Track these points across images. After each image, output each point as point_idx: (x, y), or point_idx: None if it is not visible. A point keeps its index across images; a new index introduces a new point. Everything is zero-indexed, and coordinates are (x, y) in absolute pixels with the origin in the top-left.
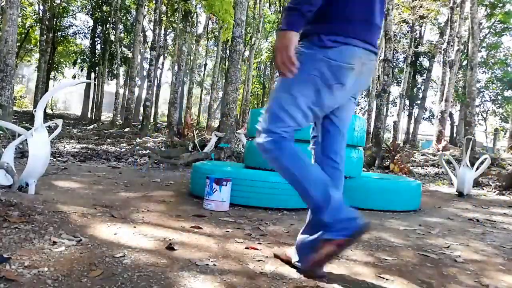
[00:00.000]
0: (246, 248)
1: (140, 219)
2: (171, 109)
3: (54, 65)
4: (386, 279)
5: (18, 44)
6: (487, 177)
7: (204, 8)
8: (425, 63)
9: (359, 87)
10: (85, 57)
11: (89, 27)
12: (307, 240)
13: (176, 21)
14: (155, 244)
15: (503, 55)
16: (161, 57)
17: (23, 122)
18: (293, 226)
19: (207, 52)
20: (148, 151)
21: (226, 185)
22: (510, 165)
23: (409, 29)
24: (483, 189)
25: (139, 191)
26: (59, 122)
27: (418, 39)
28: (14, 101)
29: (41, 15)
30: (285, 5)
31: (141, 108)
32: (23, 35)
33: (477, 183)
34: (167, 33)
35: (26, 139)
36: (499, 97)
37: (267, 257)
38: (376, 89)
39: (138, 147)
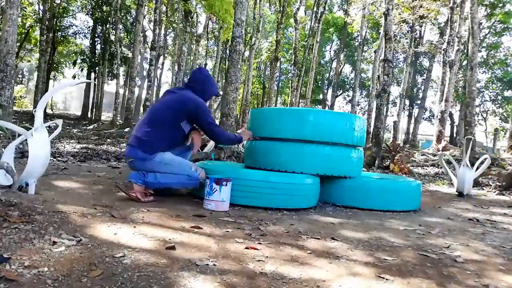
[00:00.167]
0: (246, 248)
1: (140, 219)
2: None
3: (54, 65)
4: (386, 279)
5: (18, 44)
6: (487, 177)
7: (204, 8)
8: (425, 63)
9: None
10: (85, 57)
11: (89, 27)
12: None
13: (176, 21)
14: (155, 244)
15: (503, 55)
16: (161, 57)
17: (23, 122)
18: (293, 226)
19: (207, 52)
20: None
21: (226, 185)
22: (510, 165)
23: (409, 29)
24: (483, 189)
25: None
26: (59, 122)
27: (418, 39)
28: (14, 101)
29: (41, 15)
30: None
31: (141, 108)
32: (23, 35)
33: (477, 183)
34: (167, 33)
35: (26, 139)
36: (499, 97)
37: (267, 257)
38: (376, 89)
39: None
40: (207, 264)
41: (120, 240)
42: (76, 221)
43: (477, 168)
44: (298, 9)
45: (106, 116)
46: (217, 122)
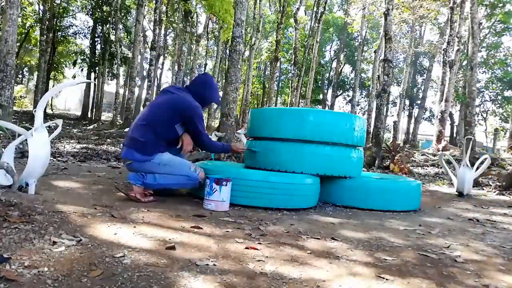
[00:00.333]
0: (246, 248)
1: (140, 219)
2: None
3: (54, 65)
4: (386, 279)
5: (18, 44)
6: (487, 177)
7: (204, 8)
8: (425, 63)
9: None
10: (85, 57)
11: (89, 27)
12: None
13: (176, 21)
14: (155, 244)
15: (503, 55)
16: (161, 57)
17: (23, 122)
18: (293, 226)
19: (207, 52)
20: None
21: (226, 185)
22: (510, 165)
23: (409, 29)
24: (483, 189)
25: None
26: (59, 122)
27: (418, 39)
28: (14, 101)
29: (41, 15)
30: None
31: (141, 108)
32: (23, 35)
33: (477, 183)
34: (167, 33)
35: (26, 139)
36: (499, 97)
37: (267, 257)
38: (376, 89)
39: None
40: (207, 264)
41: (120, 240)
42: (76, 221)
43: (477, 168)
44: (298, 9)
45: (106, 116)
46: (217, 122)
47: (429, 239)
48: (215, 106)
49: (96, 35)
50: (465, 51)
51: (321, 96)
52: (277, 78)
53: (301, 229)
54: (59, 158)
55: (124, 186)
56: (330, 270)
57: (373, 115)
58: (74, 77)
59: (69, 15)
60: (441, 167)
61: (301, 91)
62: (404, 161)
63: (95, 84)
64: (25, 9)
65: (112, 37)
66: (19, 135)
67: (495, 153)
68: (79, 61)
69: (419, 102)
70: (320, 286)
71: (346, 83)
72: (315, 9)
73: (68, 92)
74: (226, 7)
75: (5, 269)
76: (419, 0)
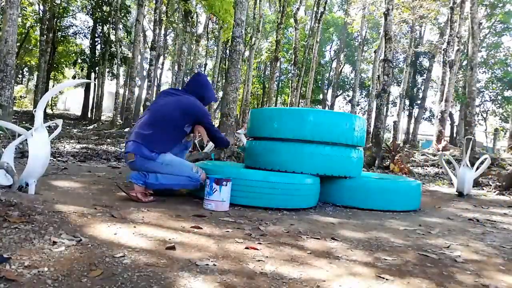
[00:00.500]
0: (246, 248)
1: (140, 219)
2: None
3: (54, 65)
4: (386, 279)
5: (18, 44)
6: (487, 177)
7: (204, 8)
8: (425, 63)
9: None
10: (85, 57)
11: (89, 27)
12: None
13: (176, 21)
14: (155, 244)
15: (503, 55)
16: (161, 57)
17: (23, 122)
18: (293, 226)
19: (207, 52)
20: None
21: (226, 185)
22: (510, 165)
23: (409, 29)
24: (483, 189)
25: None
26: (59, 122)
27: (418, 39)
28: (14, 101)
29: (41, 15)
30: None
31: (141, 108)
32: (23, 35)
33: (477, 183)
34: (167, 33)
35: (26, 139)
36: (499, 97)
37: (267, 257)
38: (376, 89)
39: None
40: (207, 264)
41: (120, 240)
42: (76, 221)
43: (477, 168)
44: (298, 9)
45: (106, 116)
46: (217, 122)
47: (429, 239)
48: (215, 106)
49: (96, 35)
50: (465, 51)
51: (321, 96)
52: (277, 78)
53: (301, 229)
54: (59, 158)
55: (125, 186)
56: (330, 270)
57: (373, 115)
58: (74, 77)
59: (69, 15)
60: (441, 167)
61: (301, 91)
62: (404, 161)
63: (95, 84)
64: (25, 9)
65: (112, 37)
66: (19, 135)
67: (495, 153)
68: (79, 61)
69: (419, 102)
70: (320, 286)
71: (346, 83)
72: (315, 9)
73: (68, 92)
74: (226, 7)
75: (5, 269)
76: (419, 0)
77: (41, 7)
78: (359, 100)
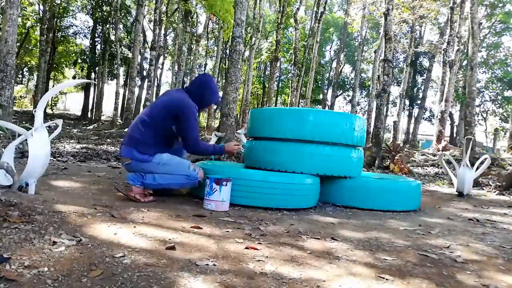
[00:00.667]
0: (246, 248)
1: (140, 219)
2: None
3: (54, 65)
4: (386, 279)
5: (18, 44)
6: (487, 177)
7: (204, 8)
8: (425, 63)
9: None
10: (85, 57)
11: (89, 27)
12: None
13: (176, 21)
14: (155, 244)
15: (503, 55)
16: (161, 57)
17: (23, 122)
18: (293, 226)
19: (207, 52)
20: None
21: (226, 185)
22: (510, 165)
23: (409, 29)
24: (483, 189)
25: None
26: (59, 122)
27: (418, 39)
28: (14, 101)
29: (41, 15)
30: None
31: (141, 108)
32: (23, 35)
33: (477, 183)
34: (167, 33)
35: (26, 139)
36: (499, 97)
37: (267, 257)
38: (376, 89)
39: None
40: (207, 264)
41: (120, 240)
42: (76, 221)
43: (477, 168)
44: (298, 9)
45: (106, 116)
46: (217, 122)
47: (429, 239)
48: (215, 106)
49: (96, 35)
50: (465, 51)
51: (321, 96)
52: (277, 78)
53: (301, 229)
54: (59, 158)
55: (124, 186)
56: (330, 270)
57: (373, 115)
58: (74, 77)
59: (69, 15)
60: (441, 167)
61: (301, 91)
62: (404, 161)
63: (95, 84)
64: (25, 9)
65: (112, 37)
66: (19, 135)
67: (495, 153)
68: (79, 61)
69: (419, 102)
70: (320, 286)
71: (346, 83)
72: (315, 9)
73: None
74: (226, 7)
75: (5, 269)
76: (419, 0)
77: (41, 7)
78: (359, 100)
